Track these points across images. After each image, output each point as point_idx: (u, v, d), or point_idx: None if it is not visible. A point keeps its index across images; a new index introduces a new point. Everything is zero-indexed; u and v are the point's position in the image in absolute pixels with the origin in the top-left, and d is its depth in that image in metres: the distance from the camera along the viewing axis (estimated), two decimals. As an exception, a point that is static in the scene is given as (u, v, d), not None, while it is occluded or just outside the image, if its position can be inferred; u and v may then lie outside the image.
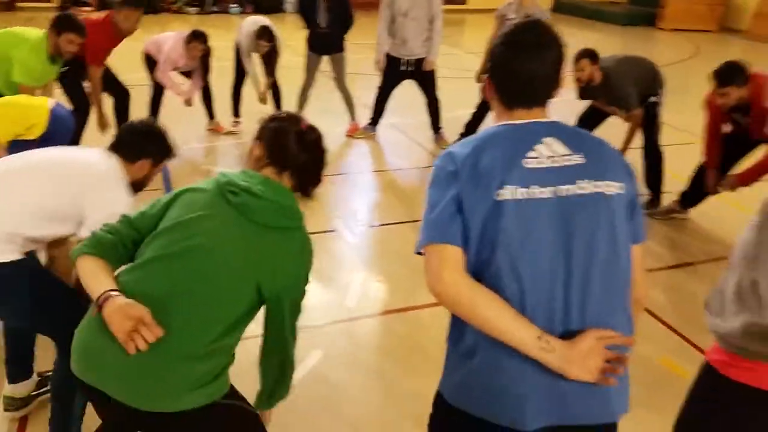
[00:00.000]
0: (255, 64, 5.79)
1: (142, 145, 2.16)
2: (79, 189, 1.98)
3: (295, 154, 1.67)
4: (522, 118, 1.41)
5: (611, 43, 12.55)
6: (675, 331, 3.07)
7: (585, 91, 4.53)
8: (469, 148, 1.37)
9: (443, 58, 5.74)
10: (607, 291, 1.34)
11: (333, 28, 5.62)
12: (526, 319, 1.28)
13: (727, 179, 3.98)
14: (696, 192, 4.26)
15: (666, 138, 4.70)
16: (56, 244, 2.21)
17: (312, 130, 1.73)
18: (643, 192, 4.58)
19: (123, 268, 1.61)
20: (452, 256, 1.31)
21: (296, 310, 1.64)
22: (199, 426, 1.52)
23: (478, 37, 11.51)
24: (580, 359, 1.27)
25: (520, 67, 1.38)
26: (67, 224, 2.01)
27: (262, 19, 5.75)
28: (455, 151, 1.39)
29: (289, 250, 1.58)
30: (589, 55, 4.38)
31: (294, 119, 1.74)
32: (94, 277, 1.53)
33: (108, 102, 4.91)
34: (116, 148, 2.14)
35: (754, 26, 12.77)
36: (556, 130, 1.39)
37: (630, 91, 4.38)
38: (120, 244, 1.61)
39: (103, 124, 4.71)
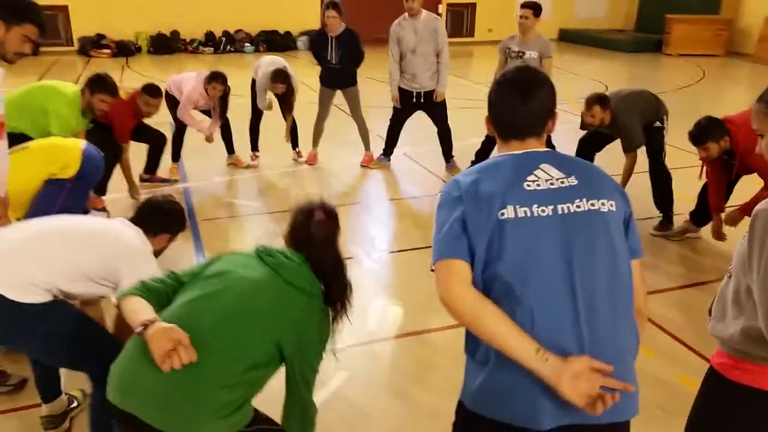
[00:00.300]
0: (272, 100, 6.02)
1: (166, 223, 2.41)
2: (114, 259, 2.16)
3: (311, 243, 1.87)
4: (517, 148, 1.56)
5: (617, 71, 12.74)
6: (692, 349, 3.13)
7: (591, 126, 4.64)
8: (472, 176, 1.51)
9: (453, 89, 5.92)
10: (612, 301, 1.43)
11: (344, 64, 5.84)
12: (525, 334, 1.37)
13: (730, 215, 4.01)
14: (705, 210, 4.33)
15: (675, 161, 4.80)
16: (87, 302, 2.43)
17: (321, 224, 1.89)
18: (655, 214, 4.67)
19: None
20: (459, 270, 1.43)
21: (315, 373, 1.80)
22: None
23: (485, 68, 11.75)
24: (570, 378, 1.34)
25: (511, 105, 1.55)
26: (101, 288, 2.19)
27: (277, 60, 5.96)
28: (460, 179, 1.54)
29: (317, 316, 1.78)
30: (601, 101, 4.49)
31: (309, 211, 1.90)
32: (140, 310, 1.71)
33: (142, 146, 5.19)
34: (141, 221, 2.35)
35: (760, 50, 12.92)
36: (549, 157, 1.53)
37: (637, 131, 4.53)
38: (164, 292, 1.82)
39: (133, 192, 4.93)
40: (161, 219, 2.40)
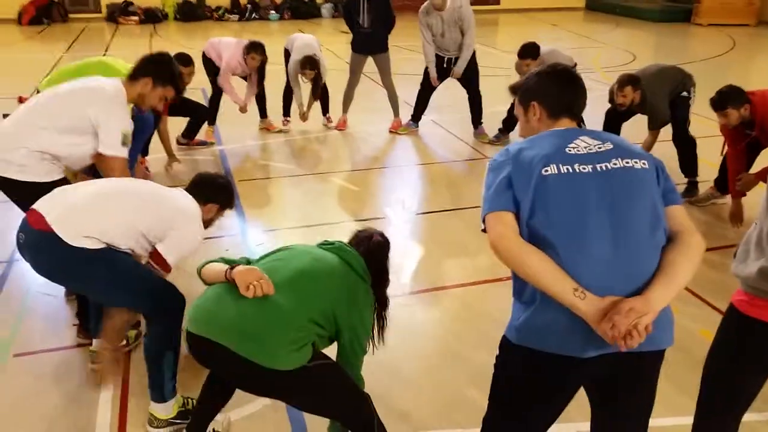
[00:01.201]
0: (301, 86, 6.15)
1: (215, 193, 2.58)
2: (168, 221, 2.38)
3: (367, 244, 2.20)
4: (562, 125, 1.76)
5: (645, 40, 12.59)
6: (713, 307, 3.27)
7: (622, 106, 4.78)
8: (519, 145, 1.70)
9: (479, 57, 6.00)
10: (653, 242, 1.56)
11: (375, 28, 5.94)
12: (564, 273, 1.51)
13: (745, 179, 4.04)
14: (728, 177, 4.41)
15: (702, 129, 4.87)
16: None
17: (378, 239, 2.23)
18: (680, 181, 4.76)
19: None
20: (506, 219, 1.60)
21: (361, 347, 2.08)
22: (294, 385, 1.90)
23: (511, 36, 11.70)
24: (605, 315, 1.46)
25: (570, 90, 1.81)
26: (148, 245, 2.38)
27: (309, 45, 5.95)
28: (508, 148, 1.71)
29: (361, 300, 2.07)
30: (633, 81, 4.63)
31: (369, 235, 2.24)
32: (217, 268, 2.02)
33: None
34: (192, 190, 2.55)
35: (793, 19, 12.65)
36: (586, 132, 1.73)
37: (664, 110, 4.68)
38: (236, 263, 2.06)
39: (172, 161, 5.05)
40: (211, 190, 2.57)
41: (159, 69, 2.83)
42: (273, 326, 1.86)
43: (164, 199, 2.44)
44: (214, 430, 2.35)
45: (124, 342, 2.87)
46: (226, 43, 5.74)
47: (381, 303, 2.18)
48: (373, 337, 2.16)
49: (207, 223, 2.59)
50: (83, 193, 2.36)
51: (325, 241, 2.18)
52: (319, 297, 1.96)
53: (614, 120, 5.03)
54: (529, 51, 5.29)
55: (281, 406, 2.54)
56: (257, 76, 5.82)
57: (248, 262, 2.09)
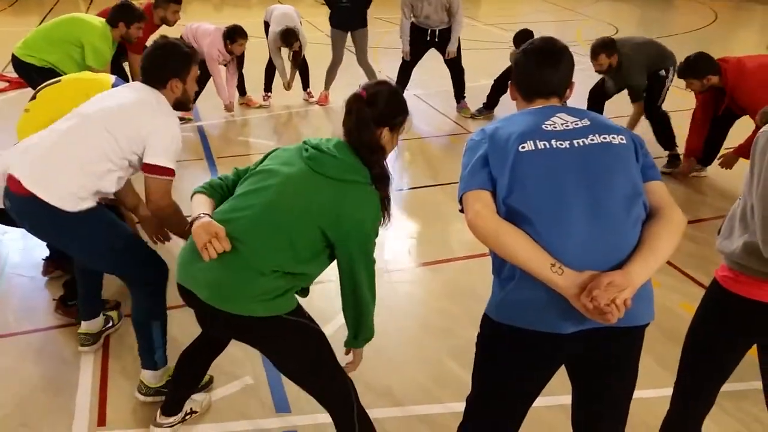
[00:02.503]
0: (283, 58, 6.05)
1: (173, 67, 2.32)
2: (143, 131, 2.23)
3: (348, 123, 1.87)
4: (541, 105, 1.71)
5: (628, 14, 12.54)
6: (694, 279, 3.30)
7: (601, 72, 4.83)
8: (495, 124, 1.67)
9: (462, 31, 5.93)
10: (632, 218, 1.54)
11: (354, 3, 5.83)
12: (541, 249, 1.49)
13: (726, 157, 4.17)
14: (707, 149, 4.45)
15: (682, 103, 4.88)
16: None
17: (356, 98, 1.86)
18: (661, 155, 4.78)
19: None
20: (483, 197, 1.58)
21: (366, 255, 1.84)
22: (266, 332, 1.84)
23: (495, 9, 11.60)
24: (582, 290, 1.44)
25: (543, 69, 1.71)
26: (130, 167, 2.29)
27: (287, 15, 5.85)
28: (485, 127, 1.69)
29: (354, 199, 1.81)
30: (604, 47, 4.62)
31: (357, 94, 1.88)
32: (198, 206, 1.92)
33: None
34: (149, 76, 2.33)
35: (774, -8, 12.67)
36: (564, 109, 1.69)
37: (640, 82, 4.70)
38: (225, 186, 2.01)
39: None
40: (163, 67, 2.31)
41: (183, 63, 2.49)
42: (238, 278, 1.77)
43: (123, 108, 2.27)
44: (191, 409, 2.34)
45: (110, 323, 2.84)
46: (203, 30, 5.54)
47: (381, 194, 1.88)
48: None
49: (181, 104, 2.39)
50: (49, 141, 2.23)
51: (307, 141, 1.89)
52: (295, 228, 1.78)
53: (598, 98, 5.03)
54: (522, 39, 5.21)
55: (264, 385, 2.53)
56: (237, 62, 5.71)
57: (237, 174, 2.01)
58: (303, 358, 1.91)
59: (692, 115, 4.38)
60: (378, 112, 1.85)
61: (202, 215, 1.85)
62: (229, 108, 5.78)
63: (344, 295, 1.91)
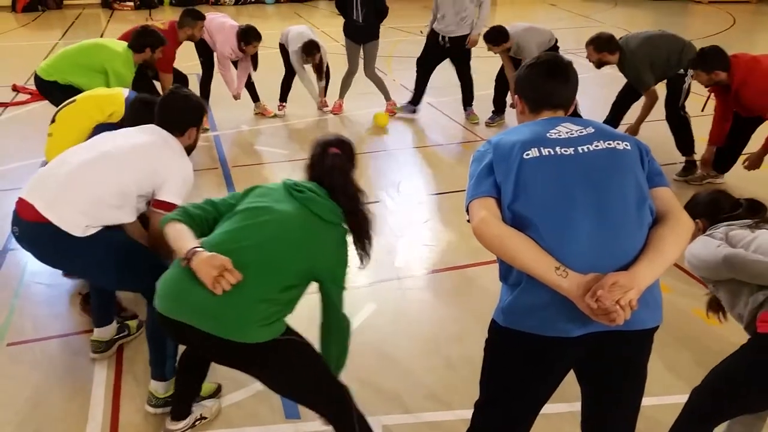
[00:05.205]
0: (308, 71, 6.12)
1: (192, 117, 2.49)
2: (158, 174, 2.34)
3: (328, 175, 2.03)
4: (548, 116, 1.74)
5: (643, 19, 12.46)
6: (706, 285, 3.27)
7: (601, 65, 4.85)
8: (501, 135, 1.70)
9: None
10: (638, 222, 1.54)
11: (368, 22, 5.91)
12: (545, 253, 1.50)
13: (750, 159, 4.09)
14: (725, 156, 4.39)
15: (700, 107, 4.81)
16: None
17: (335, 157, 2.05)
18: (677, 160, 4.73)
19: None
20: (488, 204, 1.59)
21: (340, 287, 1.97)
22: (266, 355, 1.86)
23: (510, 17, 11.57)
24: (588, 293, 1.43)
25: (552, 82, 1.76)
26: (142, 202, 2.38)
27: (303, 34, 5.94)
28: (491, 138, 1.71)
29: (338, 240, 1.97)
30: (594, 43, 4.70)
31: (324, 145, 2.08)
32: (182, 238, 1.89)
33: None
34: (167, 123, 2.46)
35: (793, -5, 12.51)
36: (569, 119, 1.72)
37: (642, 72, 4.61)
38: (204, 220, 1.99)
39: None
40: (184, 116, 2.47)
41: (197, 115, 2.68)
42: (242, 306, 1.79)
43: (143, 149, 2.37)
44: (201, 416, 2.36)
45: (125, 332, 2.88)
46: (218, 23, 5.66)
47: (358, 235, 2.03)
48: (361, 256, 2.07)
49: (190, 149, 2.53)
50: (66, 171, 2.30)
51: (293, 183, 2.01)
52: (290, 264, 1.87)
53: (626, 98, 4.99)
54: (492, 37, 5.43)
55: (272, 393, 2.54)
56: (251, 62, 5.78)
57: (215, 208, 2.01)
58: (302, 372, 1.95)
59: (714, 109, 4.33)
60: (351, 157, 2.13)
61: (197, 249, 1.83)
62: (237, 96, 5.95)
63: (325, 324, 2.00)
